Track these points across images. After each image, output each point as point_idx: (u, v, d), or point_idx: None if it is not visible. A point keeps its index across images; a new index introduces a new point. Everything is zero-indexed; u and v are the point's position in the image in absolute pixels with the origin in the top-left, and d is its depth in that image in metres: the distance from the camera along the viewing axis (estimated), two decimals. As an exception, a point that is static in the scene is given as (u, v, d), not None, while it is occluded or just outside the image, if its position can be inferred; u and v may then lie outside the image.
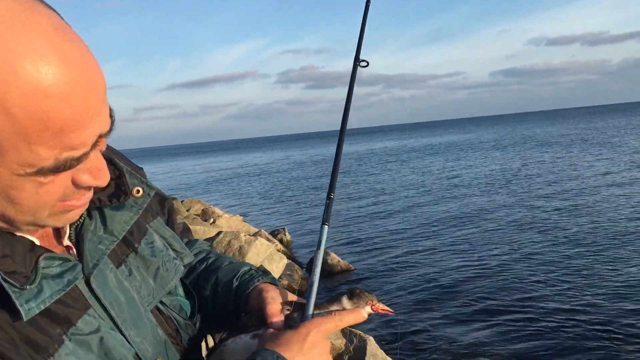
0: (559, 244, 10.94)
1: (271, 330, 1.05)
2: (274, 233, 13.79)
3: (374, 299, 1.10)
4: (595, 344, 6.46)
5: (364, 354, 5.82)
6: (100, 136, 0.76)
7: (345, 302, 1.09)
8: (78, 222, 0.94)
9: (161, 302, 1.07)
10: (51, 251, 0.85)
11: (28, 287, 0.78)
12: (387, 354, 5.85)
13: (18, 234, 0.82)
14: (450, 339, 7.00)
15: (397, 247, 11.98)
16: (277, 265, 9.52)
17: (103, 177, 0.81)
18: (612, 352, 6.24)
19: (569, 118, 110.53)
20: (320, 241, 1.15)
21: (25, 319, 0.77)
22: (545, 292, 8.29)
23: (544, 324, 7.11)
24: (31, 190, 0.74)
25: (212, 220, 14.20)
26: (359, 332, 6.11)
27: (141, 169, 1.13)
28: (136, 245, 1.04)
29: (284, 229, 14.14)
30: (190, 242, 1.41)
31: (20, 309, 0.76)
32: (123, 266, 1.00)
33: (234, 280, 1.25)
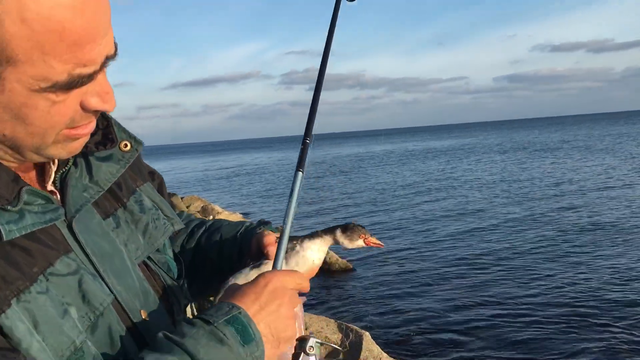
0: (560, 247, 10.92)
1: (234, 282, 1.05)
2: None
3: (366, 233, 1.14)
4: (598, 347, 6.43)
5: (360, 349, 5.78)
6: (107, 58, 0.78)
7: (339, 234, 1.14)
8: (63, 170, 0.93)
9: (149, 258, 1.05)
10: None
11: (10, 207, 0.77)
12: (382, 350, 5.81)
13: (4, 163, 0.81)
14: (448, 338, 6.97)
15: (396, 247, 11.96)
16: (275, 262, 9.49)
17: (110, 101, 0.81)
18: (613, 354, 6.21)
19: (572, 125, 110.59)
20: (294, 189, 1.09)
21: (5, 238, 0.76)
22: (547, 296, 8.25)
23: (545, 329, 7.08)
24: (44, 109, 0.75)
25: (211, 217, 14.20)
26: (355, 327, 6.08)
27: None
28: (125, 200, 1.03)
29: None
30: (179, 213, 1.39)
31: (0, 227, 0.75)
32: (111, 218, 0.98)
33: (238, 234, 1.28)
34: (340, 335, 6.00)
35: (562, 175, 22.69)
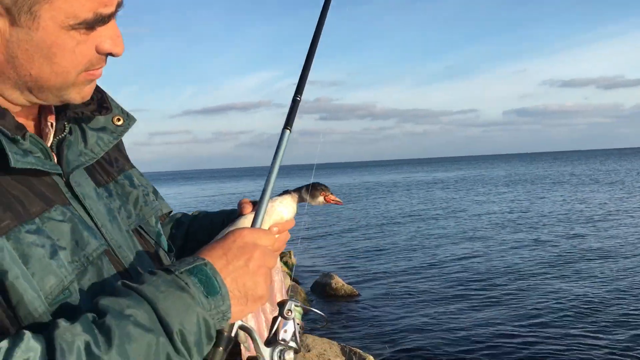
0: (567, 276, 10.78)
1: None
2: (280, 256, 13.72)
3: (327, 191, 1.18)
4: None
5: (363, 372, 5.70)
6: (119, 4, 0.85)
7: (304, 192, 1.18)
8: (60, 136, 0.96)
9: (140, 228, 1.07)
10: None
11: (20, 139, 0.82)
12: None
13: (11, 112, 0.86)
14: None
15: (401, 272, 11.87)
16: (280, 285, 9.42)
17: (121, 45, 0.88)
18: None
19: (580, 159, 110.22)
20: (280, 146, 1.06)
21: (12, 164, 0.79)
22: (556, 323, 8.13)
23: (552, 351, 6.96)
24: (70, 48, 0.82)
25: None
26: (358, 350, 6.01)
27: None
28: (116, 175, 1.06)
29: (289, 251, 14.06)
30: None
31: (9, 154, 0.79)
32: (103, 188, 1.01)
33: (226, 216, 1.28)
34: (344, 358, 5.93)
35: (569, 206, 22.53)
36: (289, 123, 1.08)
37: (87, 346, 0.67)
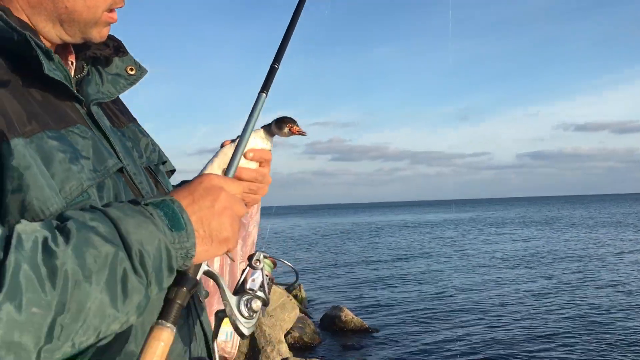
0: (581, 311, 10.59)
1: None
2: (289, 289, 13.63)
3: (293, 124, 1.19)
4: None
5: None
6: None
7: (273, 126, 1.19)
8: (78, 75, 1.03)
9: (150, 169, 1.12)
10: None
11: (54, 56, 0.88)
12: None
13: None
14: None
15: (412, 308, 11.73)
16: (289, 315, 9.33)
17: None
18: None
19: (596, 203, 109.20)
20: (255, 109, 1.08)
21: (45, 70, 0.85)
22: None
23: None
24: None
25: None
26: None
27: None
28: (127, 122, 1.13)
29: (300, 285, 13.96)
30: None
31: (43, 62, 0.85)
32: (117, 129, 1.06)
33: None
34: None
35: (585, 246, 22.25)
36: (265, 87, 1.11)
37: (45, 240, 0.67)
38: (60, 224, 0.71)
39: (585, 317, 10.32)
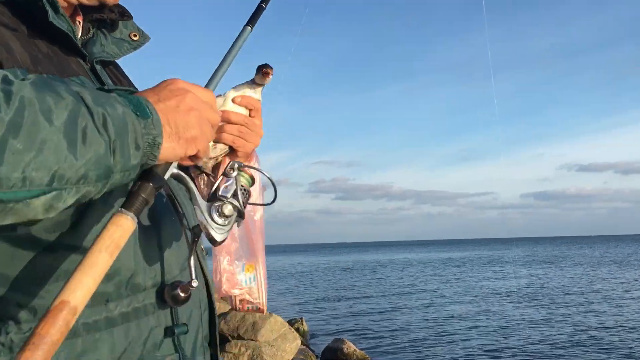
0: (585, 348, 10.49)
1: None
2: (291, 322, 13.54)
3: (266, 68, 1.15)
4: None
5: None
6: None
7: (255, 76, 1.17)
8: (84, 37, 1.06)
9: None
10: None
11: (57, 4, 0.92)
12: None
13: None
14: None
15: (414, 342, 11.63)
16: (290, 345, 9.25)
17: None
18: None
19: (601, 243, 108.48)
20: (239, 39, 1.08)
21: (50, 18, 0.89)
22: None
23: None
24: None
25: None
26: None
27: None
28: (128, 86, 1.11)
29: (301, 318, 13.87)
30: None
31: (48, 9, 0.89)
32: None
33: None
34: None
35: (589, 284, 22.07)
36: (251, 22, 1.12)
37: (5, 75, 0.66)
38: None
39: (588, 352, 10.23)
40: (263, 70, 1.12)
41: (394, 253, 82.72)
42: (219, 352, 1.09)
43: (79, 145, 0.66)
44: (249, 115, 1.16)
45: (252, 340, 8.67)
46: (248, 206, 1.22)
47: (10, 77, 0.66)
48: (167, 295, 0.89)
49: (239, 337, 8.67)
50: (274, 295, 22.10)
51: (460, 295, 19.81)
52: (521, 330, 12.27)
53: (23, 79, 0.67)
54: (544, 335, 11.80)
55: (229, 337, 8.56)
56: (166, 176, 0.81)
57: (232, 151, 1.17)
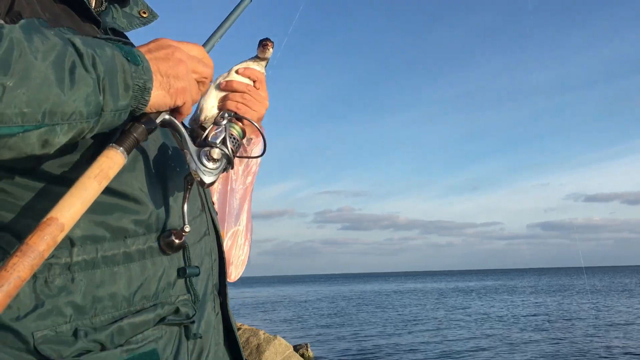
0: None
1: None
2: (296, 348, 13.50)
3: (266, 41, 1.21)
4: None
5: None
6: None
7: (257, 50, 1.23)
8: (98, 9, 1.08)
9: None
10: None
11: None
12: None
13: None
14: None
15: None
16: (294, 368, 9.28)
17: None
18: None
19: (610, 273, 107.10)
20: (235, 10, 1.15)
21: None
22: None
23: None
24: None
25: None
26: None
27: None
28: None
29: (306, 344, 13.84)
30: None
31: None
32: None
33: None
34: None
35: (597, 312, 21.84)
36: None
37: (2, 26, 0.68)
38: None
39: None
40: (262, 43, 1.18)
41: (399, 283, 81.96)
42: (227, 301, 1.13)
43: (67, 82, 0.69)
44: (254, 87, 1.21)
45: (257, 362, 8.70)
46: (240, 171, 1.31)
47: (0, 21, 0.70)
48: (162, 242, 0.92)
49: None
50: (278, 322, 22.02)
51: (466, 321, 19.65)
52: (526, 353, 12.17)
53: (13, 25, 0.69)
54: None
55: None
56: (158, 120, 0.84)
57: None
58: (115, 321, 0.85)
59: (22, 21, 0.71)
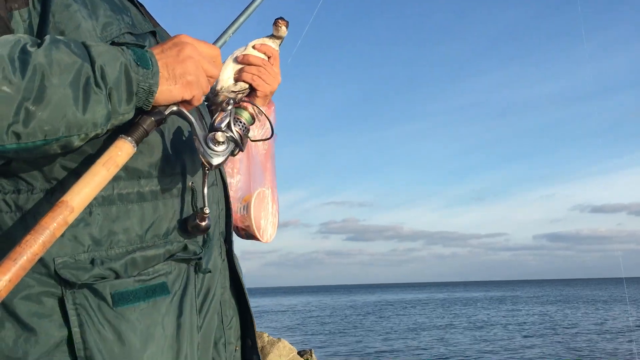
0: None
1: None
2: (300, 353, 13.51)
3: (280, 19, 1.31)
4: None
5: None
6: None
7: (273, 29, 1.32)
8: None
9: None
10: None
11: None
12: None
13: None
14: None
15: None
16: (298, 371, 9.31)
17: None
18: None
19: (618, 285, 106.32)
20: (250, 5, 1.18)
21: None
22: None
23: None
24: None
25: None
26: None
27: None
28: (158, 25, 1.17)
29: (310, 350, 13.85)
30: None
31: None
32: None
33: None
34: None
35: (605, 321, 21.74)
36: None
37: (25, 44, 0.80)
38: (39, 40, 0.82)
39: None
40: (277, 22, 1.28)
41: (404, 293, 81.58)
42: (233, 250, 1.19)
43: (81, 100, 0.80)
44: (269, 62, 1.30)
45: (260, 364, 8.75)
46: (260, 143, 1.40)
47: (28, 47, 0.80)
48: (189, 226, 1.00)
49: (247, 361, 8.74)
50: (282, 329, 22.03)
51: (469, 329, 19.61)
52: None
53: (40, 44, 0.80)
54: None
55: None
56: (167, 112, 0.92)
57: (252, 90, 1.31)
58: (129, 253, 0.93)
59: (46, 40, 0.82)
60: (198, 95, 0.94)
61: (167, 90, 0.90)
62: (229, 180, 1.29)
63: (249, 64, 1.27)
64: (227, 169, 1.42)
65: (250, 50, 1.28)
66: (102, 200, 0.92)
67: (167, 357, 0.95)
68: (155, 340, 0.93)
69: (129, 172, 0.93)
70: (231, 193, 1.51)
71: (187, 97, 0.92)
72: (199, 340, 1.02)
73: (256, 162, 1.46)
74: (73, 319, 0.88)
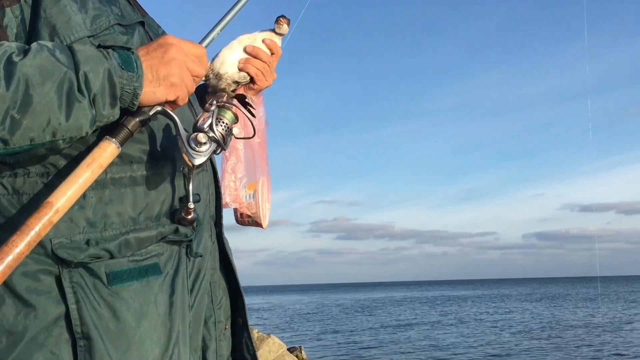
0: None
1: None
2: (290, 350, 13.56)
3: (282, 17, 1.31)
4: None
5: None
6: None
7: (275, 24, 1.33)
8: None
9: None
10: None
11: None
12: None
13: None
14: None
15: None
16: (287, 367, 9.36)
17: None
18: None
19: (607, 283, 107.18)
20: (236, 5, 1.21)
21: None
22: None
23: None
24: None
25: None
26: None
27: None
28: (146, 14, 1.19)
29: (300, 347, 13.89)
30: None
31: None
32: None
33: None
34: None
35: (593, 319, 21.94)
36: None
37: (11, 53, 0.83)
38: (26, 47, 0.85)
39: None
40: (279, 19, 1.30)
41: (394, 292, 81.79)
42: (223, 232, 1.23)
43: (64, 107, 0.84)
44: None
45: None
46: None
47: (14, 57, 0.83)
48: (176, 219, 1.03)
49: (237, 357, 8.76)
50: (271, 327, 22.05)
51: (459, 327, 19.73)
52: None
53: (26, 53, 0.83)
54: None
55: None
56: (151, 112, 0.95)
57: (250, 82, 1.32)
58: (122, 235, 0.97)
59: (32, 48, 0.84)
60: (182, 96, 0.96)
61: (151, 92, 0.92)
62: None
63: (256, 57, 1.30)
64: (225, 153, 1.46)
65: (259, 44, 1.30)
66: (96, 184, 0.94)
67: (160, 334, 0.99)
68: (149, 318, 0.97)
69: (121, 157, 0.96)
70: (231, 176, 1.55)
71: (171, 98, 0.95)
72: (191, 318, 1.06)
73: (255, 150, 1.51)
74: (70, 296, 0.92)
